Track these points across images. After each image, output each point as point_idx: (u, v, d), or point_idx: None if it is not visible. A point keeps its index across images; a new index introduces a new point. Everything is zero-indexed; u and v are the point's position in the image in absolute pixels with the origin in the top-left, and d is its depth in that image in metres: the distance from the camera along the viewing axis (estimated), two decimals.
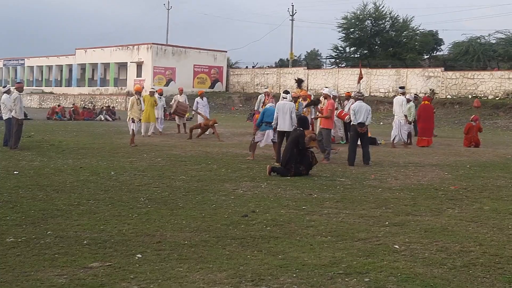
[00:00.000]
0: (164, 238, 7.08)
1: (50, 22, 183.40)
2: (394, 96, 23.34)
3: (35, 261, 6.07)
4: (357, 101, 15.49)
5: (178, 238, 7.09)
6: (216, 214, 8.54)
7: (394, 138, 20.39)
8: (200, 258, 6.28)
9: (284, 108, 14.58)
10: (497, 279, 5.79)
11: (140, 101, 19.75)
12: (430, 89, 35.98)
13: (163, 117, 25.13)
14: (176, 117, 25.18)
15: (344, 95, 24.30)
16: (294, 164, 12.62)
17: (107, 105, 45.52)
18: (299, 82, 21.21)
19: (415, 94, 28.09)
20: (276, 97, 20.77)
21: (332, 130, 19.58)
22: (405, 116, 20.16)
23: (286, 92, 15.30)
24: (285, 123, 14.48)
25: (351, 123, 15.38)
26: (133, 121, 19.10)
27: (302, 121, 13.74)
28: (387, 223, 8.17)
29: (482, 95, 41.17)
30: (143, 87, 22.82)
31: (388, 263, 6.20)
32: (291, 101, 15.16)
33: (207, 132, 22.75)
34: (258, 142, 15.52)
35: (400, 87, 22.19)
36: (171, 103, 25.72)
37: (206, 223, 7.94)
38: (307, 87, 48.37)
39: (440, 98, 42.20)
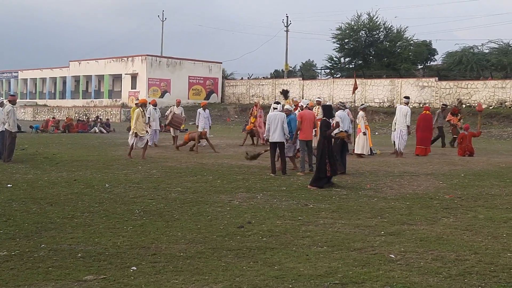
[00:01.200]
0: (159, 250, 7.06)
1: (43, 34, 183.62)
2: (389, 106, 23.35)
3: (28, 274, 6.04)
4: (339, 110, 15.65)
5: (173, 250, 7.07)
6: (212, 225, 8.53)
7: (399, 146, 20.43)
8: (195, 270, 6.26)
9: (275, 119, 14.63)
10: (492, 287, 5.79)
11: (144, 113, 19.35)
12: (458, 99, 35.79)
13: (159, 129, 24.82)
14: (171, 129, 25.07)
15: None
16: (335, 158, 12.67)
17: (96, 115, 45.48)
18: (285, 93, 21.40)
19: (443, 104, 28.19)
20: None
21: None
22: (408, 126, 20.24)
23: (277, 103, 15.38)
24: (276, 134, 14.56)
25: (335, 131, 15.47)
26: (136, 136, 18.57)
27: (326, 109, 13.54)
28: (382, 232, 8.16)
29: (476, 105, 41.30)
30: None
31: (384, 272, 6.19)
32: (282, 111, 15.14)
33: (203, 144, 22.70)
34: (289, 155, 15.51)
35: (405, 97, 22.27)
36: (166, 114, 25.58)
37: (201, 234, 7.92)
38: (302, 98, 48.47)
39: (434, 107, 42.30)
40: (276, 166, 14.83)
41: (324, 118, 13.10)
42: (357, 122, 20.31)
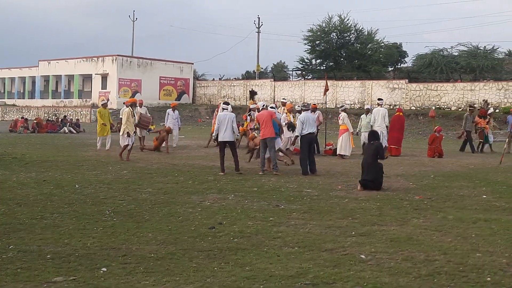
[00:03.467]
0: (129, 251, 7.00)
1: (12, 33, 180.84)
2: (360, 108, 23.46)
3: None
4: (303, 112, 15.74)
5: (144, 251, 7.02)
6: (183, 226, 8.49)
7: None
8: (166, 271, 6.23)
9: (225, 119, 15.02)
10: (461, 287, 5.85)
11: (134, 113, 18.74)
12: (484, 100, 35.28)
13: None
14: (137, 129, 24.41)
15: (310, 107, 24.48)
16: (380, 177, 12.64)
17: (63, 115, 45.05)
18: (252, 94, 21.48)
19: (470, 106, 26.97)
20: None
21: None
22: (387, 127, 20.58)
23: (226, 103, 15.76)
24: (227, 134, 15.00)
25: (298, 133, 15.55)
26: (128, 135, 18.09)
27: (375, 135, 13.62)
28: (353, 233, 8.21)
29: (445, 107, 41.85)
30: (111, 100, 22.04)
31: (355, 273, 6.22)
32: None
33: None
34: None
35: (379, 99, 22.67)
36: None
37: (172, 235, 7.88)
38: (274, 99, 48.57)
39: (404, 109, 42.73)
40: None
41: (377, 141, 13.22)
42: (340, 123, 20.50)
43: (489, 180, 14.53)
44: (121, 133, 18.66)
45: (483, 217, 9.57)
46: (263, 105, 16.19)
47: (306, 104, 16.49)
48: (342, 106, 22.30)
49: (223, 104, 15.75)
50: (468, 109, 26.04)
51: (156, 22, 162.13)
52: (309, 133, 15.35)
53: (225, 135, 15.06)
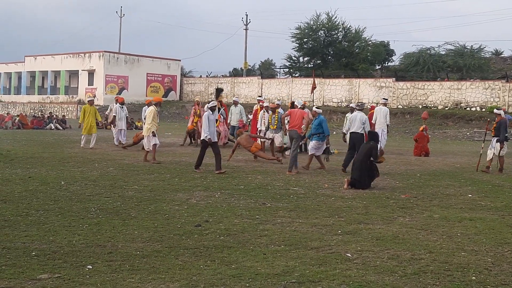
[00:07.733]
0: (115, 248, 6.97)
1: None
2: (347, 106, 23.34)
3: None
4: (355, 111, 16.28)
5: (130, 248, 6.99)
6: (169, 224, 8.47)
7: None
8: (152, 268, 6.21)
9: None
10: (446, 286, 5.88)
11: (157, 113, 17.69)
12: None
13: (124, 128, 23.34)
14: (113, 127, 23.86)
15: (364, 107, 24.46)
16: (367, 176, 12.71)
17: (49, 112, 45.02)
18: (218, 91, 21.36)
19: None
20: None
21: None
22: (387, 125, 20.67)
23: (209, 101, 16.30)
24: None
25: (345, 130, 16.55)
26: (154, 135, 17.08)
27: (374, 135, 13.83)
28: (339, 231, 8.22)
29: (432, 105, 42.00)
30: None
31: (341, 271, 6.23)
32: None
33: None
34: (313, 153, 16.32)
35: (384, 98, 22.68)
36: (106, 113, 24.65)
37: (158, 233, 7.86)
38: (262, 96, 48.50)
39: (391, 108, 42.88)
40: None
41: (373, 142, 13.30)
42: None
43: (475, 179, 14.62)
44: (146, 134, 17.40)
45: (469, 216, 9.63)
46: (302, 105, 16.82)
47: (360, 103, 16.77)
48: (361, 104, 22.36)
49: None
50: None
51: (143, 18, 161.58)
52: (352, 132, 15.97)
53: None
